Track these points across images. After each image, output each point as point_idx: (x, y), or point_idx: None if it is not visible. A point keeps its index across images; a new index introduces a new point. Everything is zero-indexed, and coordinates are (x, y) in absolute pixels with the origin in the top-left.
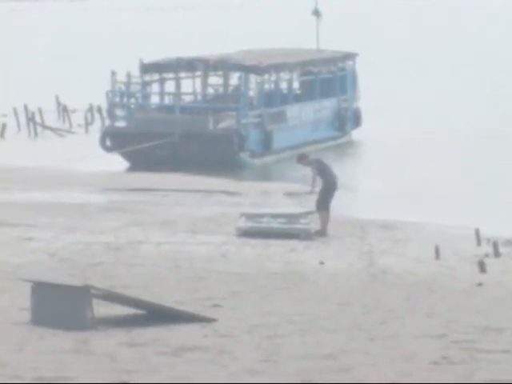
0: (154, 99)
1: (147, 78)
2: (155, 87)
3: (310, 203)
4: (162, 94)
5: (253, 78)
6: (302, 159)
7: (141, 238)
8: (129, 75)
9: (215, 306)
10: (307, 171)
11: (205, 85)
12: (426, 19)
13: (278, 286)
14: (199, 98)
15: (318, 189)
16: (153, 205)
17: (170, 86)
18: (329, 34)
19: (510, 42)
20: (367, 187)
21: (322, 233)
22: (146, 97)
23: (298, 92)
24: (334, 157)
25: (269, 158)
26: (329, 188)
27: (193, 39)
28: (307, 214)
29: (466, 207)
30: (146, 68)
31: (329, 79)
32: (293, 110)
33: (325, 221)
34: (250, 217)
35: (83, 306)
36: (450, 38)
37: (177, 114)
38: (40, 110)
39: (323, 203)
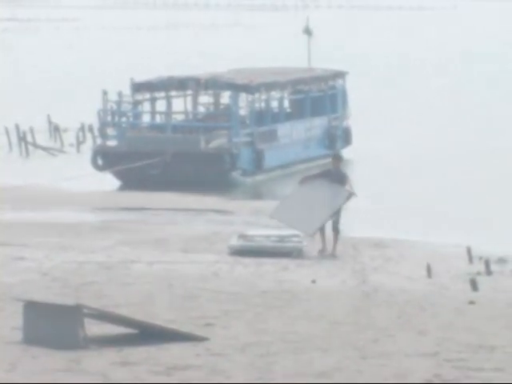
0: (146, 118)
1: (138, 96)
2: (146, 106)
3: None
4: (153, 112)
5: (244, 97)
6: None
7: (133, 257)
8: (120, 94)
9: (207, 324)
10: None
11: (196, 104)
12: (417, 35)
13: (270, 305)
14: (190, 116)
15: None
16: (145, 224)
17: (161, 105)
18: (320, 52)
19: (501, 56)
20: (359, 206)
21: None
22: (138, 116)
23: (289, 110)
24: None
25: (260, 177)
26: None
27: (184, 58)
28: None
29: (458, 225)
30: (138, 87)
31: (319, 98)
32: (284, 129)
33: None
34: (242, 235)
35: (75, 325)
36: (441, 53)
37: (168, 133)
38: (31, 130)
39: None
